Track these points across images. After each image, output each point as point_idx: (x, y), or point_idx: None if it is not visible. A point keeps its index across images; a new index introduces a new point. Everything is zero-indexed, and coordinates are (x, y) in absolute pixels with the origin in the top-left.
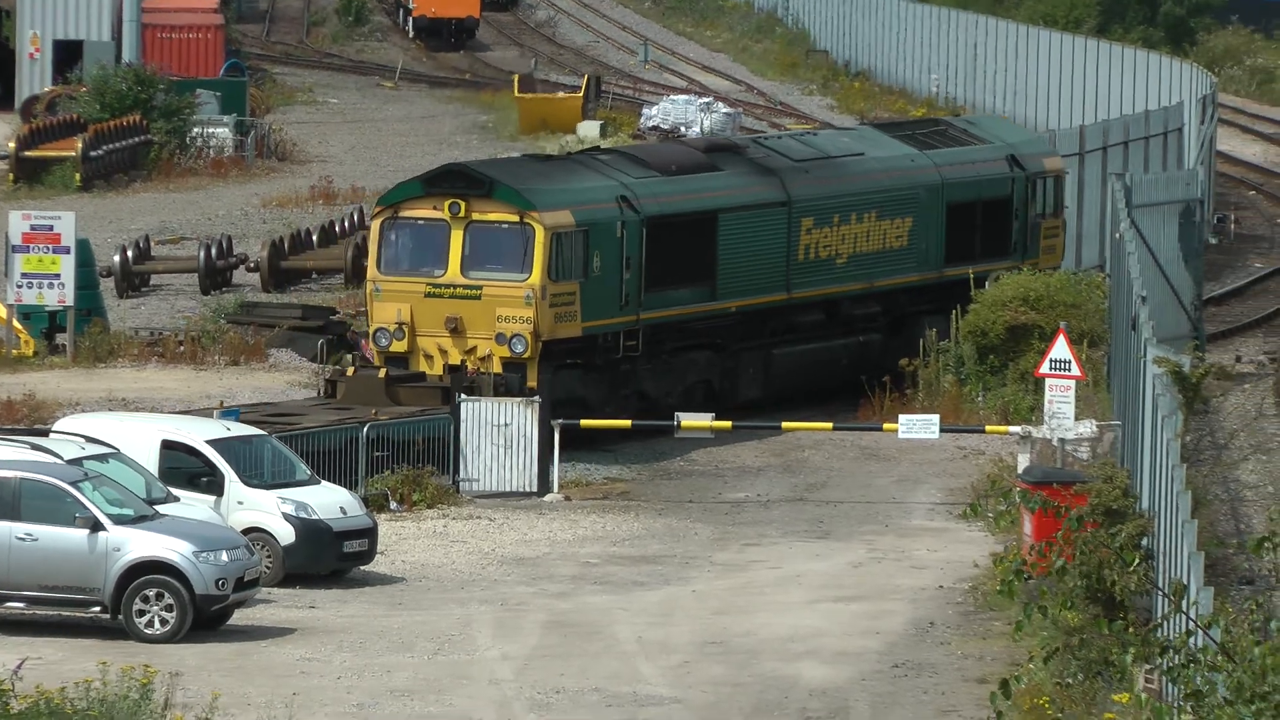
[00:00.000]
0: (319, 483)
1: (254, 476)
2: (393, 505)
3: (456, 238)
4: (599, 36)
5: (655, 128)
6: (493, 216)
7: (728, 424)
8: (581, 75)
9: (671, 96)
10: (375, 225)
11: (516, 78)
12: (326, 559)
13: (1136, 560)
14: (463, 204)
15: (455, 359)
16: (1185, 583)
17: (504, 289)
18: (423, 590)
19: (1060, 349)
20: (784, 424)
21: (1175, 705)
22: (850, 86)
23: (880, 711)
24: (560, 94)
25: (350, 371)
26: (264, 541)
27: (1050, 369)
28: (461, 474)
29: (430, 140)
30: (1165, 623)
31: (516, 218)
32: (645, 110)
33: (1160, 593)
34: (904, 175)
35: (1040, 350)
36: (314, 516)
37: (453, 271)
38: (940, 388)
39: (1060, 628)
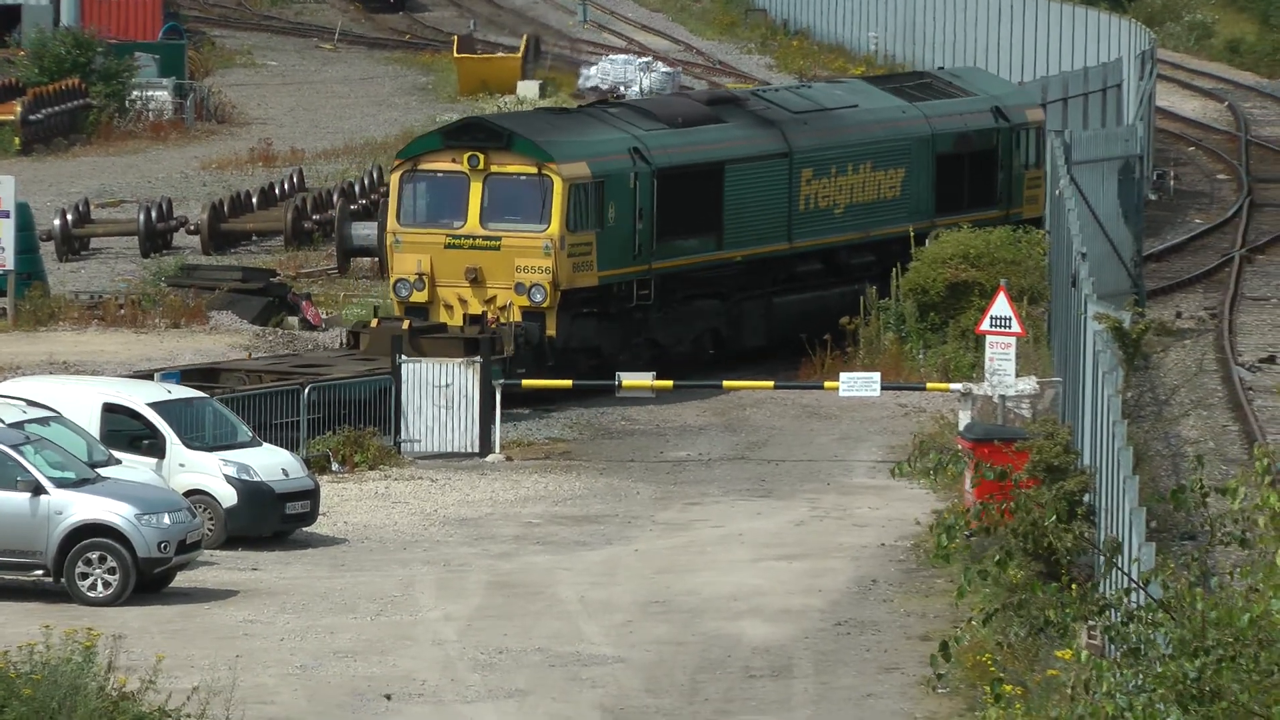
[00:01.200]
0: (260, 444)
1: (195, 439)
2: (334, 466)
3: (475, 189)
4: None
5: (594, 88)
6: (511, 168)
7: (669, 383)
8: (520, 36)
9: (610, 56)
10: (394, 178)
11: (455, 39)
12: (269, 521)
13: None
14: (481, 156)
15: (475, 309)
16: (1123, 539)
17: (523, 239)
18: (365, 551)
19: (1001, 306)
20: (725, 383)
21: (1116, 662)
22: (789, 45)
23: (823, 669)
24: (499, 54)
25: (374, 323)
26: (206, 504)
27: (991, 326)
28: (403, 435)
29: (370, 102)
30: (1104, 580)
31: (535, 169)
32: (584, 70)
33: (1096, 550)
34: (896, 127)
35: (981, 307)
36: (256, 478)
37: (472, 223)
38: (881, 345)
39: (1002, 585)
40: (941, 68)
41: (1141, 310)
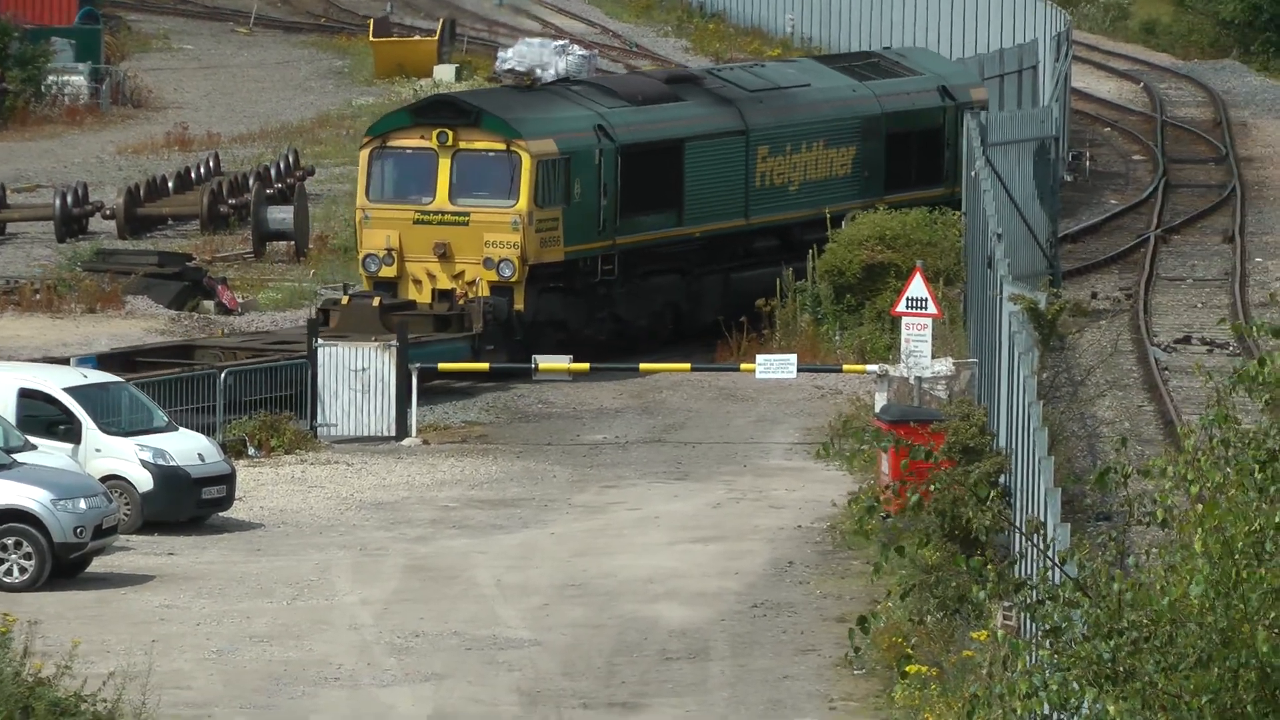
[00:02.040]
0: (177, 429)
1: (112, 424)
2: (251, 451)
3: (444, 166)
4: None
5: (511, 70)
6: (480, 145)
7: (585, 366)
8: (436, 19)
9: (526, 39)
10: (363, 155)
11: (371, 22)
12: (185, 506)
13: (990, 495)
14: (450, 133)
15: (443, 284)
16: (1042, 519)
17: (492, 215)
18: (281, 536)
19: (917, 287)
20: (641, 365)
21: (1034, 641)
22: (705, 28)
23: (740, 651)
24: (415, 38)
25: (345, 300)
26: (122, 489)
27: (907, 307)
28: (319, 419)
29: (286, 85)
30: (1022, 559)
31: (503, 146)
32: (500, 53)
33: (1016, 530)
34: (847, 105)
35: (897, 289)
36: (172, 463)
37: (441, 199)
38: (797, 327)
39: (918, 565)
40: (888, 47)
41: (1057, 291)
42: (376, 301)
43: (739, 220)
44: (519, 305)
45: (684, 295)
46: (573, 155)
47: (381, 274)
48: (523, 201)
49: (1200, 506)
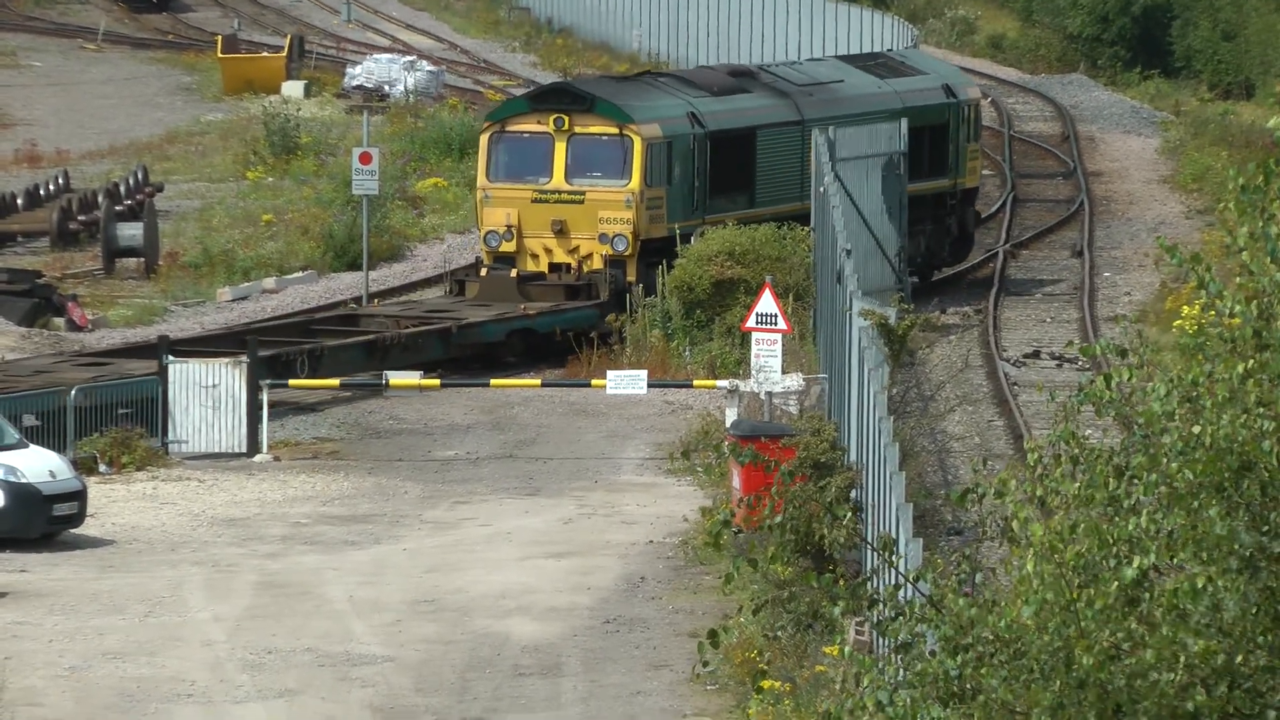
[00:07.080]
0: (28, 446)
1: None
2: (102, 468)
3: (560, 149)
4: None
5: (359, 87)
6: (594, 129)
7: (436, 382)
8: (284, 35)
9: (375, 55)
10: (483, 139)
11: (219, 39)
12: (36, 523)
13: (848, 515)
14: (566, 118)
15: (559, 258)
16: (894, 536)
17: (606, 194)
18: (133, 553)
19: (766, 303)
20: (492, 381)
21: (885, 658)
22: (553, 43)
23: (592, 666)
24: (263, 54)
25: (483, 272)
26: None
27: (756, 323)
28: (170, 435)
29: (135, 102)
30: (875, 576)
31: (616, 130)
32: (349, 69)
33: (869, 546)
34: (877, 100)
35: (746, 304)
36: (23, 480)
37: (557, 179)
38: (648, 343)
39: (770, 581)
40: (890, 50)
41: (907, 306)
42: (514, 272)
43: (796, 204)
44: (631, 277)
45: None
46: (674, 139)
47: (501, 249)
48: (635, 181)
49: (1032, 527)
